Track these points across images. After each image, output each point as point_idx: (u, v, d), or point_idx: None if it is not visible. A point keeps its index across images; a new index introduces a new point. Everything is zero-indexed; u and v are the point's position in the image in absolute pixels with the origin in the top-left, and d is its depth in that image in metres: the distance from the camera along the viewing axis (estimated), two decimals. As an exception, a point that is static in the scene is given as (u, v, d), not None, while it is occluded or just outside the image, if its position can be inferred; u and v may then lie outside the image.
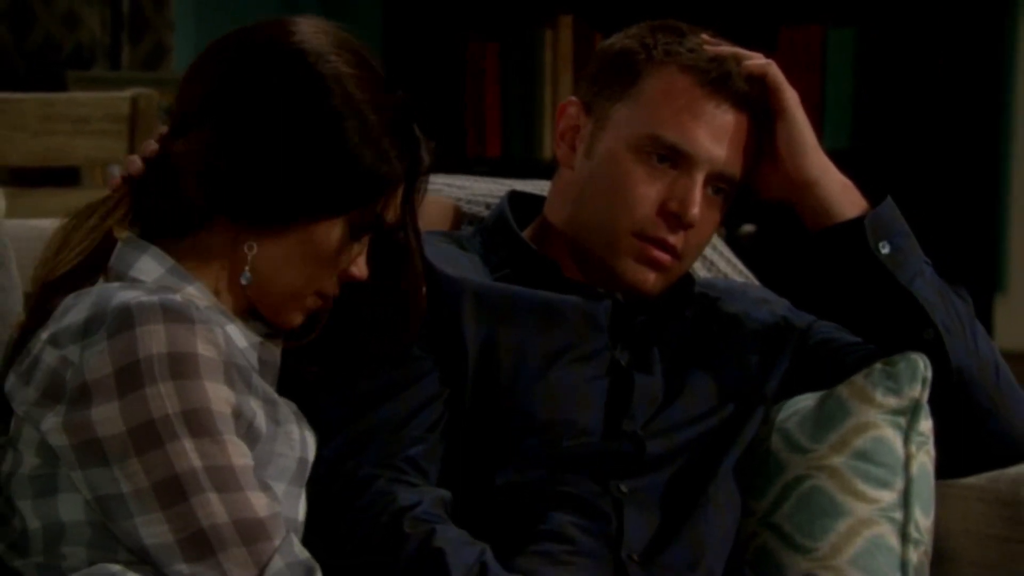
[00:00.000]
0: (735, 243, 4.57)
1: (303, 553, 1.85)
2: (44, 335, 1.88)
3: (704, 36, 2.17)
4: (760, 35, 4.55)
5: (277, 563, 1.82)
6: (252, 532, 1.82)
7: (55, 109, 3.40)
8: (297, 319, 1.98)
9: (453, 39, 4.79)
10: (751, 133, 2.16)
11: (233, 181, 1.91)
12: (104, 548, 1.85)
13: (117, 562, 1.84)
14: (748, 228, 4.64)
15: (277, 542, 1.83)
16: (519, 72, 4.76)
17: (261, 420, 1.91)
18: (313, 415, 2.04)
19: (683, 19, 2.22)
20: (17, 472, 1.88)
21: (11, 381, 1.88)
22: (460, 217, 2.35)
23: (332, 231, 1.94)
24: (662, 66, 2.14)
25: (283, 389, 2.04)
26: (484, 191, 2.37)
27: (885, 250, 2.15)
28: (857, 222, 2.16)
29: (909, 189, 4.66)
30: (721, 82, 2.13)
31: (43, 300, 1.93)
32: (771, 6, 4.76)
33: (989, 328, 4.76)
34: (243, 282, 1.95)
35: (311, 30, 1.96)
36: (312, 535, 1.94)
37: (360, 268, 1.99)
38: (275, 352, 2.00)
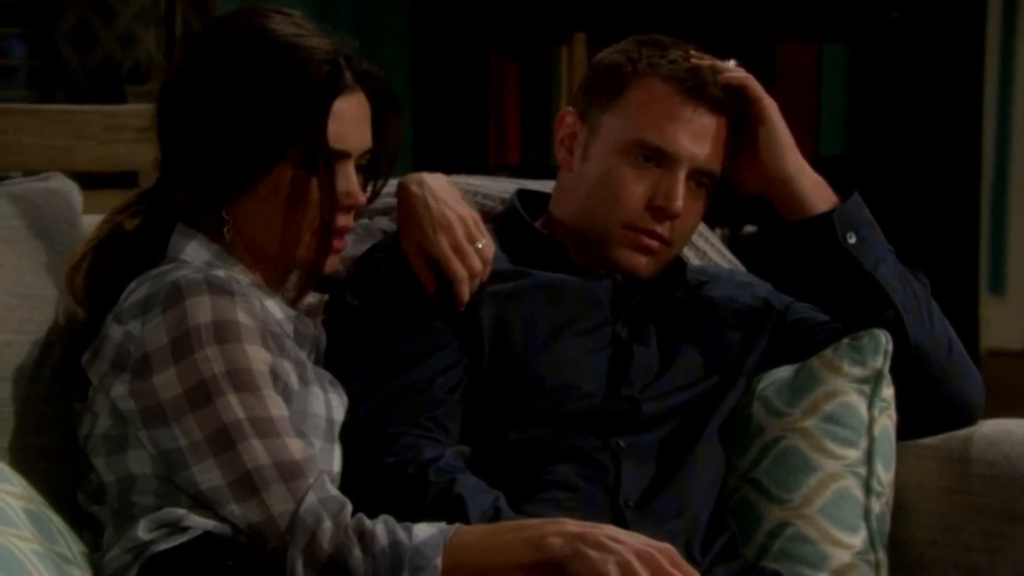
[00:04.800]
0: (738, 242, 4.67)
1: (334, 491, 1.94)
2: (111, 316, 1.99)
3: (691, 51, 2.26)
4: (759, 51, 4.55)
5: (311, 498, 1.90)
6: (290, 471, 1.91)
7: (118, 120, 3.43)
8: (328, 263, 2.05)
9: (477, 56, 4.76)
10: (727, 132, 2.24)
11: (198, 180, 2.01)
12: (168, 496, 1.95)
13: (180, 507, 1.94)
14: (750, 228, 4.69)
15: (312, 480, 1.92)
16: (537, 86, 4.72)
17: (294, 380, 2.00)
18: (347, 383, 2.12)
19: (686, 37, 2.30)
20: (93, 433, 2.00)
21: (86, 356, 2.01)
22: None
23: (283, 178, 2.00)
24: (645, 77, 2.23)
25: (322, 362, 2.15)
26: (499, 189, 2.47)
27: (852, 240, 2.25)
28: (827, 216, 2.25)
29: (899, 193, 4.68)
30: (698, 90, 2.21)
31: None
32: (769, 24, 4.73)
33: (975, 328, 4.78)
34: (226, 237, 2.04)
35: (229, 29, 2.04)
36: (347, 489, 1.99)
37: (354, 196, 2.04)
38: (309, 324, 2.10)
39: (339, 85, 2.01)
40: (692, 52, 2.26)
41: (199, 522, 1.94)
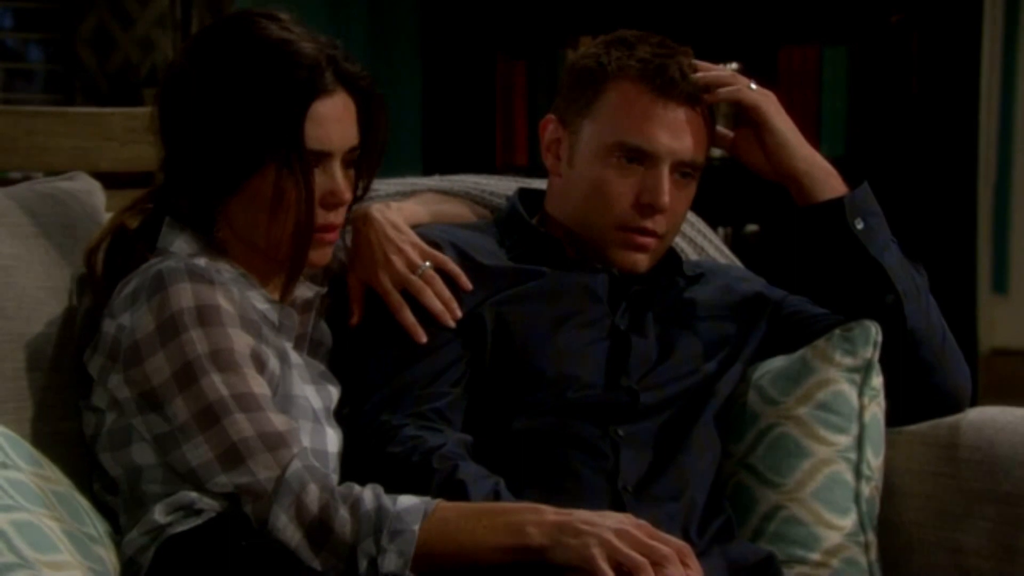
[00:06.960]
0: (740, 241, 4.70)
1: (318, 464, 1.98)
2: (105, 312, 2.05)
3: (689, 58, 2.29)
4: (761, 54, 4.59)
5: (296, 464, 1.95)
6: (274, 441, 1.96)
7: (139, 122, 3.43)
8: (317, 257, 2.09)
9: (484, 57, 4.77)
10: (705, 120, 2.28)
11: (189, 184, 2.08)
12: (173, 482, 2.00)
13: (188, 490, 1.99)
14: (752, 228, 4.68)
15: (295, 450, 1.96)
16: (543, 87, 4.70)
17: (275, 363, 2.05)
18: (351, 377, 2.17)
19: (689, 41, 2.32)
20: (100, 432, 2.05)
21: (87, 353, 2.07)
22: (478, 214, 2.47)
23: (266, 180, 2.04)
24: (616, 80, 2.26)
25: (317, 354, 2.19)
26: (506, 188, 2.51)
27: (859, 226, 2.29)
28: (837, 201, 2.29)
29: (899, 195, 4.69)
30: (668, 86, 2.24)
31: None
32: (771, 27, 4.73)
33: (974, 328, 4.80)
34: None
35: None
36: (353, 480, 2.01)
37: (338, 195, 2.07)
38: (293, 317, 2.13)
39: (315, 89, 2.05)
40: (694, 63, 2.29)
41: (212, 504, 1.99)
